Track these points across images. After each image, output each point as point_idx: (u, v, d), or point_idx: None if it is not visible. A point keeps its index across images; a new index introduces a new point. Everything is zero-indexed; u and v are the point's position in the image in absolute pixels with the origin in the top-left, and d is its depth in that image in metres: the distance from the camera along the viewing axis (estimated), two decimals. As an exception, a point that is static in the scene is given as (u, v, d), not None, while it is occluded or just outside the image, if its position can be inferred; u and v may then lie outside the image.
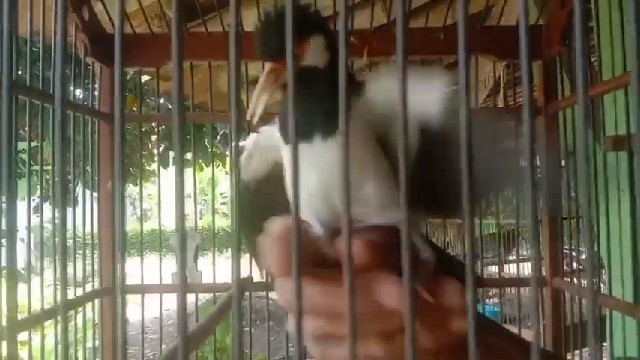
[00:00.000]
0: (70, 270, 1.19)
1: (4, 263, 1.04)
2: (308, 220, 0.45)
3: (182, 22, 0.20)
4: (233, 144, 0.22)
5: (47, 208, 1.14)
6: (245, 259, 1.35)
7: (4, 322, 0.96)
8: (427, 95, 0.43)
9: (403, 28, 0.23)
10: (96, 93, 1.21)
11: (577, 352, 1.29)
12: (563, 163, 1.48)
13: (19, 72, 1.48)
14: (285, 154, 0.46)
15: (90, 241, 1.21)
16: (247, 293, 1.21)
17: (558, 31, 1.20)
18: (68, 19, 1.04)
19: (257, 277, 1.22)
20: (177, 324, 0.21)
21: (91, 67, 1.20)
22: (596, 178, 1.12)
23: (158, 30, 1.32)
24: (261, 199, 0.54)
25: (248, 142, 0.55)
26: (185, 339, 0.22)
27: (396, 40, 0.22)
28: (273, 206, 0.49)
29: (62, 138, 0.26)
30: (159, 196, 1.34)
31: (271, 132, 0.50)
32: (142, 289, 1.22)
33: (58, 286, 1.02)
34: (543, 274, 1.31)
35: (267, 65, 0.43)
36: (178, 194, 0.21)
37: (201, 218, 8.84)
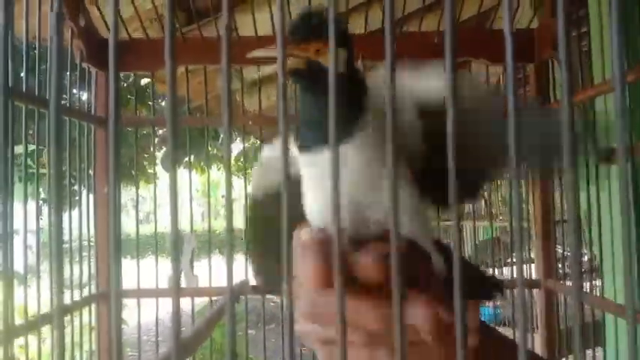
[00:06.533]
0: (68, 272, 1.19)
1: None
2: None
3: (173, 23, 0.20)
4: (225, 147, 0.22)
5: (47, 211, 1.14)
6: (240, 262, 1.35)
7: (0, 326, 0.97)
8: (428, 81, 0.43)
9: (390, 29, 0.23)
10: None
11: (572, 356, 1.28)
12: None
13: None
14: (304, 165, 0.43)
15: (87, 244, 1.22)
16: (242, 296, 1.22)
17: (550, 35, 1.21)
18: (64, 26, 1.05)
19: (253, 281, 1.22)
20: (172, 330, 0.21)
21: (86, 73, 1.21)
22: (589, 181, 1.12)
23: (154, 35, 1.32)
24: (269, 212, 0.53)
25: (263, 154, 0.53)
26: (178, 343, 0.22)
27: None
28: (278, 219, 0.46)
29: (57, 143, 0.25)
30: (155, 199, 1.35)
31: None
32: (138, 294, 1.22)
33: (55, 291, 1.02)
34: (535, 276, 1.31)
35: (295, 45, 0.41)
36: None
37: (203, 220, 8.85)
